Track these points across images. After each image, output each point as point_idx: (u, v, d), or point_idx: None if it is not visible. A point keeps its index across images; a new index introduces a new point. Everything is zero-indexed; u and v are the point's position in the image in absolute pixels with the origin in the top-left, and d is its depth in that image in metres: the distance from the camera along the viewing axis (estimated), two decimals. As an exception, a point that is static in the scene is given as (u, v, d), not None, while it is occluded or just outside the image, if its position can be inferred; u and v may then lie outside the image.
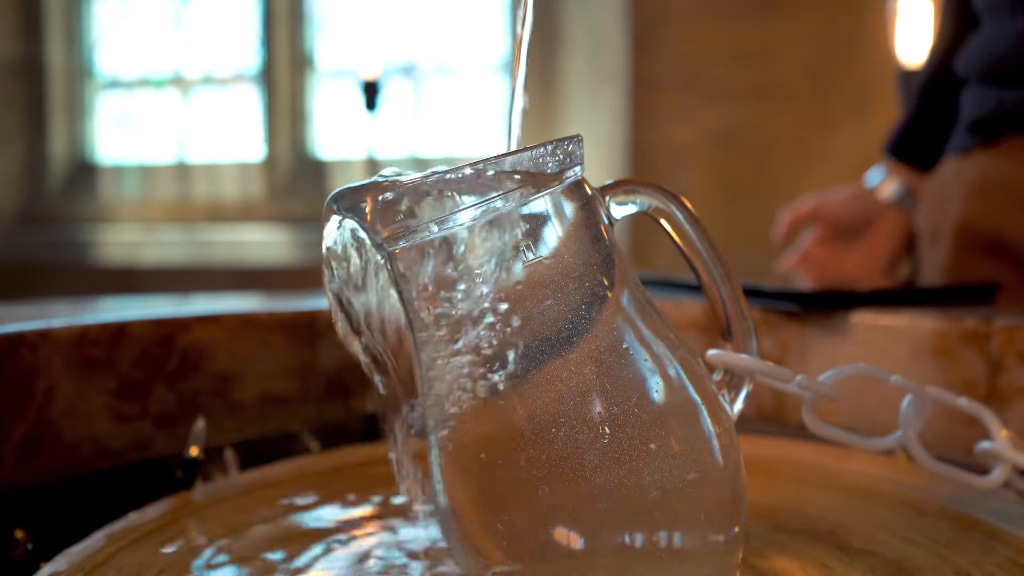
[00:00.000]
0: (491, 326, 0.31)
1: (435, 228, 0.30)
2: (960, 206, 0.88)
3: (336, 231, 0.33)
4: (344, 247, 0.33)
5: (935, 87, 0.98)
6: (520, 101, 0.35)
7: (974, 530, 0.40)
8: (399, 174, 0.31)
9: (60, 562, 0.36)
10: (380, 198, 0.30)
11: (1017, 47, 0.81)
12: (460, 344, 0.31)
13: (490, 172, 0.30)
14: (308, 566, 0.36)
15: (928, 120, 0.99)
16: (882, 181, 1.01)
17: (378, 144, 2.60)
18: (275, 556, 0.37)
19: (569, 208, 0.32)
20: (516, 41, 0.35)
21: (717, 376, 0.35)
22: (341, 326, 0.35)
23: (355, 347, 0.35)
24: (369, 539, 0.39)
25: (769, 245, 1.17)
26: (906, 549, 0.37)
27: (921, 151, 0.99)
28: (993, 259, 0.84)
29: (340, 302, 0.34)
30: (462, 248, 0.31)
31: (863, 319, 0.56)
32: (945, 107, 0.95)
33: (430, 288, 0.31)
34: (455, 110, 2.90)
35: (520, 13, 0.35)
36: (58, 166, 3.13)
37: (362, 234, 0.32)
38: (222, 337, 0.54)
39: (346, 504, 0.43)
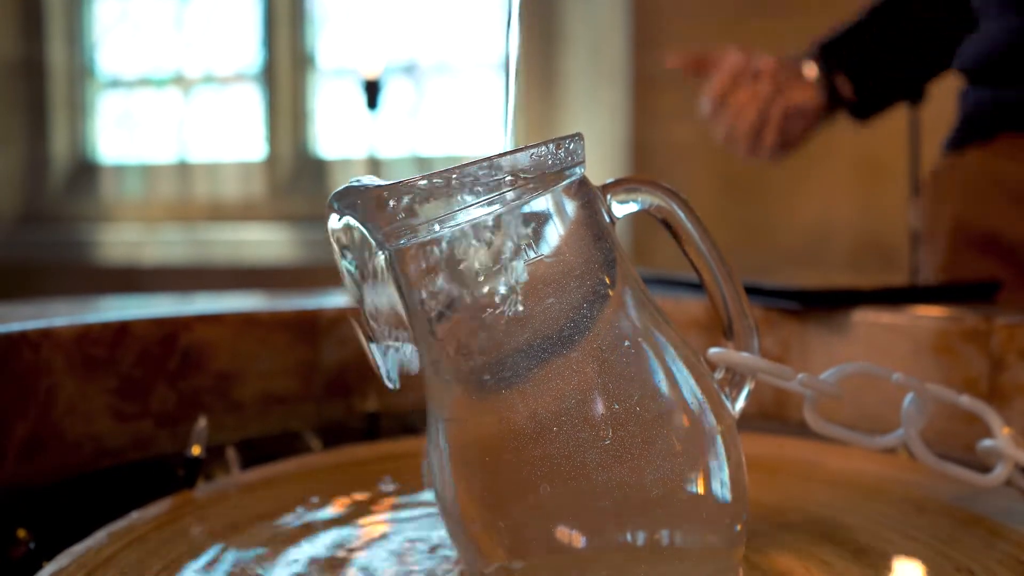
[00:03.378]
0: (492, 324, 0.31)
1: (436, 227, 0.30)
2: (956, 204, 0.88)
3: (341, 228, 0.33)
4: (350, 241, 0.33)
5: (885, 6, 0.96)
6: (513, 95, 0.35)
7: (975, 527, 0.40)
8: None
9: (62, 561, 0.36)
10: (381, 197, 0.30)
11: (1010, 46, 0.82)
12: (461, 342, 0.31)
13: (491, 171, 0.30)
14: (310, 564, 0.36)
15: (865, 29, 0.95)
16: (807, 63, 0.97)
17: (379, 143, 2.60)
18: (277, 555, 0.37)
19: (570, 206, 0.32)
20: (508, 39, 0.35)
21: (718, 374, 0.35)
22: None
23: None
24: (371, 537, 0.39)
25: (770, 244, 1.16)
26: (907, 546, 0.37)
27: (849, 54, 0.95)
28: (989, 256, 0.84)
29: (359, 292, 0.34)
30: (463, 247, 0.31)
31: (864, 317, 0.56)
32: (888, 24, 0.93)
33: (431, 286, 0.31)
34: (456, 109, 2.90)
35: (508, 13, 0.35)
36: (59, 165, 3.13)
37: (364, 233, 0.32)
38: (223, 336, 0.54)
39: (348, 502, 0.43)
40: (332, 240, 0.33)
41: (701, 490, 0.31)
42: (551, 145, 0.30)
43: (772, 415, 0.59)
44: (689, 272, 0.35)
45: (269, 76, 3.01)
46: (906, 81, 0.99)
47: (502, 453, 0.30)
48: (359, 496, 0.44)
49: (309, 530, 0.40)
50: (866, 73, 0.95)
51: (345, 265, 0.33)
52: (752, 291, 0.59)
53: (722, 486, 0.31)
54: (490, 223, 0.30)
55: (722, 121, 0.96)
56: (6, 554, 0.43)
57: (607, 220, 0.33)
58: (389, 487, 0.46)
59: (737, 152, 0.97)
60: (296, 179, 3.00)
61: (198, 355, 0.53)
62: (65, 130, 3.14)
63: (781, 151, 0.97)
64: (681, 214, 0.34)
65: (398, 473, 0.47)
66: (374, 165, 2.59)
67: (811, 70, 0.95)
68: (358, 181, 0.31)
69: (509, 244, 0.31)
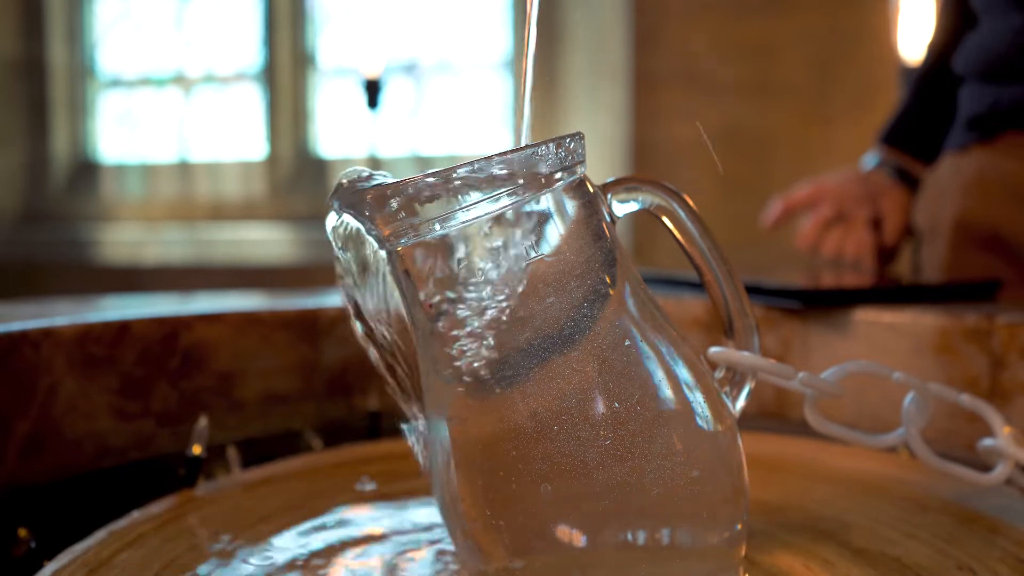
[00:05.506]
0: (493, 324, 0.31)
1: (437, 226, 0.30)
2: (958, 202, 0.88)
3: (341, 227, 0.33)
4: (349, 242, 0.33)
5: (932, 79, 0.98)
6: (528, 98, 0.35)
7: (976, 525, 0.40)
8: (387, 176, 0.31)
9: (63, 560, 0.36)
10: (382, 196, 0.30)
11: (1013, 44, 0.82)
12: (462, 341, 0.31)
13: (492, 170, 0.30)
14: (311, 563, 0.36)
15: (922, 110, 0.99)
16: (878, 165, 1.01)
17: (380, 142, 2.60)
18: (278, 553, 0.37)
19: (571, 206, 0.32)
20: (524, 40, 0.35)
21: (719, 373, 0.35)
22: (353, 320, 0.35)
23: (365, 343, 0.35)
24: (372, 535, 0.39)
25: (771, 242, 1.16)
26: (908, 544, 0.37)
27: (915, 140, 0.98)
28: (990, 254, 0.85)
29: (353, 299, 0.34)
30: (464, 246, 0.31)
31: (865, 316, 0.56)
32: (941, 99, 0.95)
33: (432, 286, 0.31)
34: (456, 108, 2.90)
35: (527, 12, 0.35)
36: (60, 165, 3.13)
37: (364, 232, 0.32)
38: (224, 335, 0.54)
39: (348, 501, 0.43)
40: (332, 238, 0.33)
41: (701, 489, 0.31)
42: (551, 144, 0.30)
43: (773, 414, 0.59)
44: (690, 271, 0.35)
45: (270, 75, 3.00)
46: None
47: (502, 452, 0.30)
48: (360, 495, 0.44)
49: (310, 529, 0.40)
50: (931, 149, 0.97)
51: (343, 262, 0.34)
52: (753, 290, 0.59)
53: (722, 485, 0.31)
54: (490, 222, 0.30)
55: (822, 252, 0.99)
56: (7, 553, 0.43)
57: (608, 219, 0.33)
58: (390, 486, 0.46)
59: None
60: (297, 178, 3.01)
61: (199, 354, 0.53)
62: (65, 130, 3.14)
63: (890, 258, 1.01)
64: (682, 213, 0.34)
65: (399, 472, 0.47)
66: (374, 164, 2.59)
67: (882, 171, 0.99)
68: (357, 174, 0.31)
69: (509, 243, 0.31)
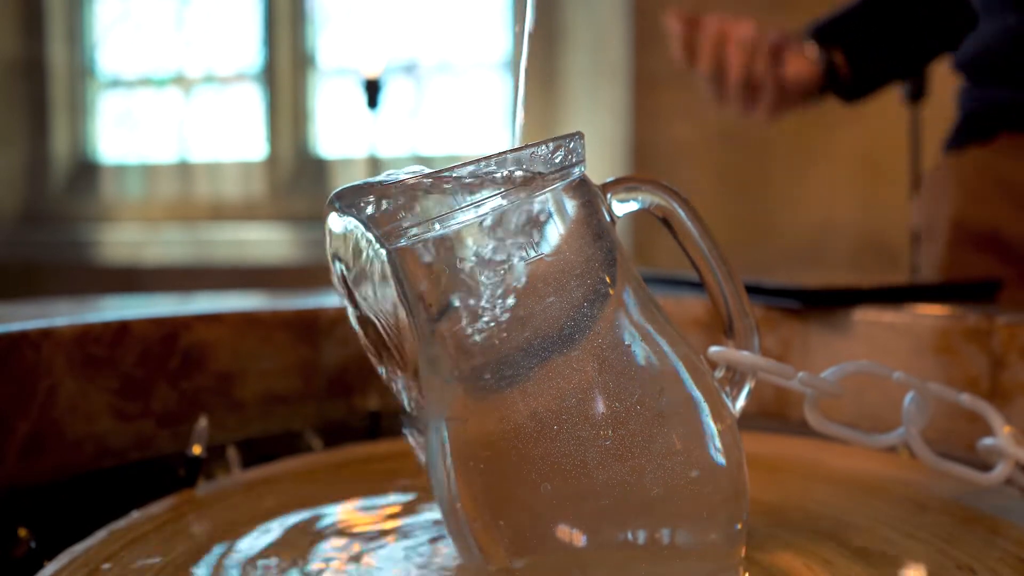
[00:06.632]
0: (493, 323, 0.31)
1: (436, 226, 0.30)
2: (955, 202, 0.88)
3: (340, 228, 0.33)
4: (348, 242, 0.33)
5: None
6: (522, 98, 0.35)
7: (976, 525, 0.39)
8: (413, 172, 0.31)
9: (63, 560, 0.36)
10: (382, 196, 0.30)
11: (1011, 45, 0.82)
12: (462, 341, 0.31)
13: (491, 170, 0.30)
14: (311, 563, 0.36)
15: (859, 12, 0.93)
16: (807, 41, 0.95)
17: (380, 142, 2.60)
18: (278, 554, 0.37)
19: (570, 206, 0.32)
20: (517, 38, 0.35)
21: (719, 373, 0.35)
22: (351, 315, 0.35)
23: (363, 339, 0.35)
24: (371, 536, 0.39)
25: (771, 242, 1.16)
26: (908, 544, 0.37)
27: (842, 36, 0.92)
28: (988, 254, 0.85)
29: (350, 294, 0.34)
30: (463, 246, 0.31)
31: (865, 316, 0.56)
32: (881, 8, 0.91)
33: (432, 285, 0.31)
34: (457, 108, 2.90)
35: (520, 12, 0.35)
36: (60, 165, 3.13)
37: (364, 232, 0.32)
38: (224, 336, 0.54)
39: (348, 502, 0.43)
40: (327, 246, 0.33)
41: (701, 489, 0.31)
42: (551, 144, 0.30)
43: (773, 414, 0.59)
44: (690, 271, 0.35)
45: (269, 76, 3.01)
46: (901, 62, 0.96)
47: (503, 452, 0.30)
48: (360, 495, 0.44)
49: (310, 529, 0.40)
50: (863, 51, 0.92)
51: (338, 270, 0.34)
52: (753, 290, 0.59)
53: (722, 485, 0.31)
54: (490, 222, 0.30)
55: (714, 79, 0.93)
56: (7, 553, 0.43)
57: (607, 219, 0.33)
58: (390, 486, 0.46)
59: (724, 105, 0.95)
60: (297, 179, 3.01)
61: (199, 355, 0.53)
62: (65, 130, 3.14)
63: (767, 116, 0.95)
64: (681, 213, 0.34)
65: (399, 472, 0.47)
66: (375, 165, 2.59)
67: (811, 48, 0.92)
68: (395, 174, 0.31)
69: (509, 243, 0.31)
